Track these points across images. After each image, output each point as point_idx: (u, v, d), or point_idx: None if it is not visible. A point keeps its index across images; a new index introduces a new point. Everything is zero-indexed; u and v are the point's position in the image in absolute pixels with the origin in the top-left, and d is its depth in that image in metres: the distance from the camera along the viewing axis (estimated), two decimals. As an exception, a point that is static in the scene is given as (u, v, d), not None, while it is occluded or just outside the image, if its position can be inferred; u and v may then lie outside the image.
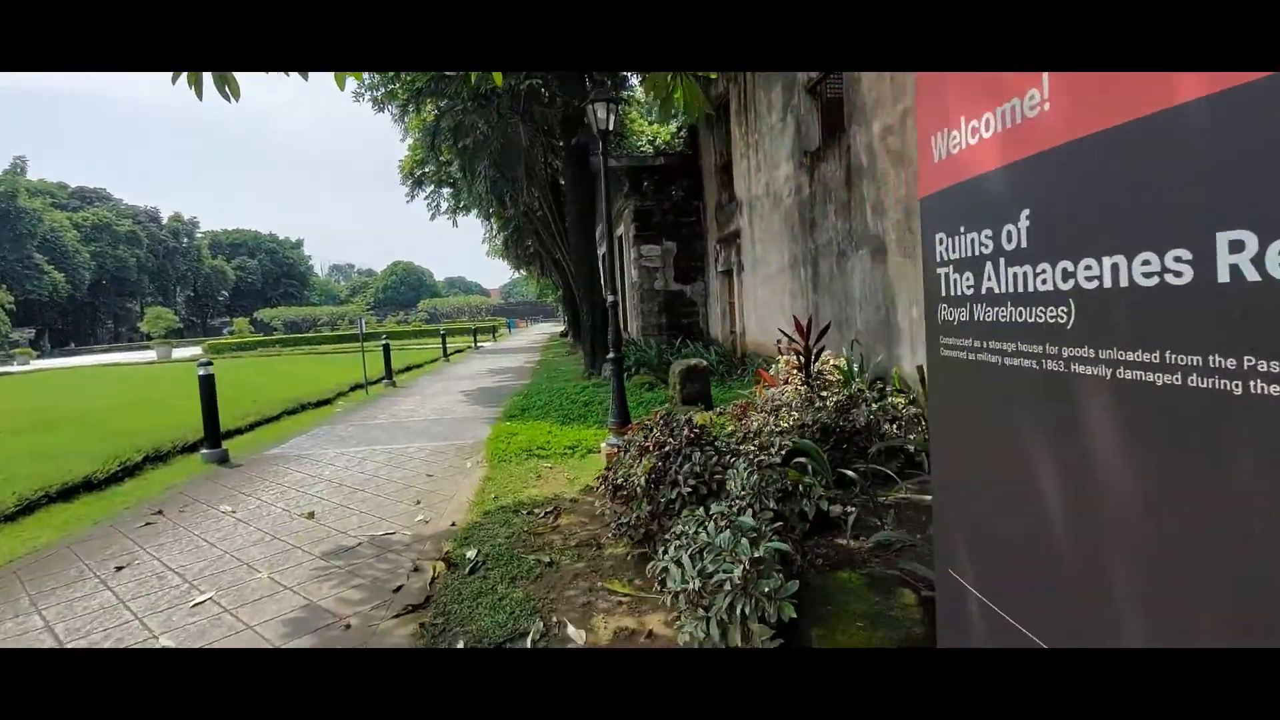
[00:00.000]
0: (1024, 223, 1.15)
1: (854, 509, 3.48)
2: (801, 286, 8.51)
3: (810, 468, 3.69)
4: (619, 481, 3.82)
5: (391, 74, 11.97)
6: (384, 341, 13.66)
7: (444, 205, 25.38)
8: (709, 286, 13.64)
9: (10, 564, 4.04)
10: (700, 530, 2.61)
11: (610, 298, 5.40)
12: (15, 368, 33.45)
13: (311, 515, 4.67)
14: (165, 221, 75.02)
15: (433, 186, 24.71)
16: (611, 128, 5.26)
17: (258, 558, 3.91)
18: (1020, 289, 1.19)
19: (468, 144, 11.78)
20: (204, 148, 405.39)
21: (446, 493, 5.14)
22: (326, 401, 11.10)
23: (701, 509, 2.85)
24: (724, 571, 2.31)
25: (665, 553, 2.62)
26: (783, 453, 3.81)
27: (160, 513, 4.95)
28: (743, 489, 3.02)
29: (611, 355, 5.41)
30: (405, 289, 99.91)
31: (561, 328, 58.65)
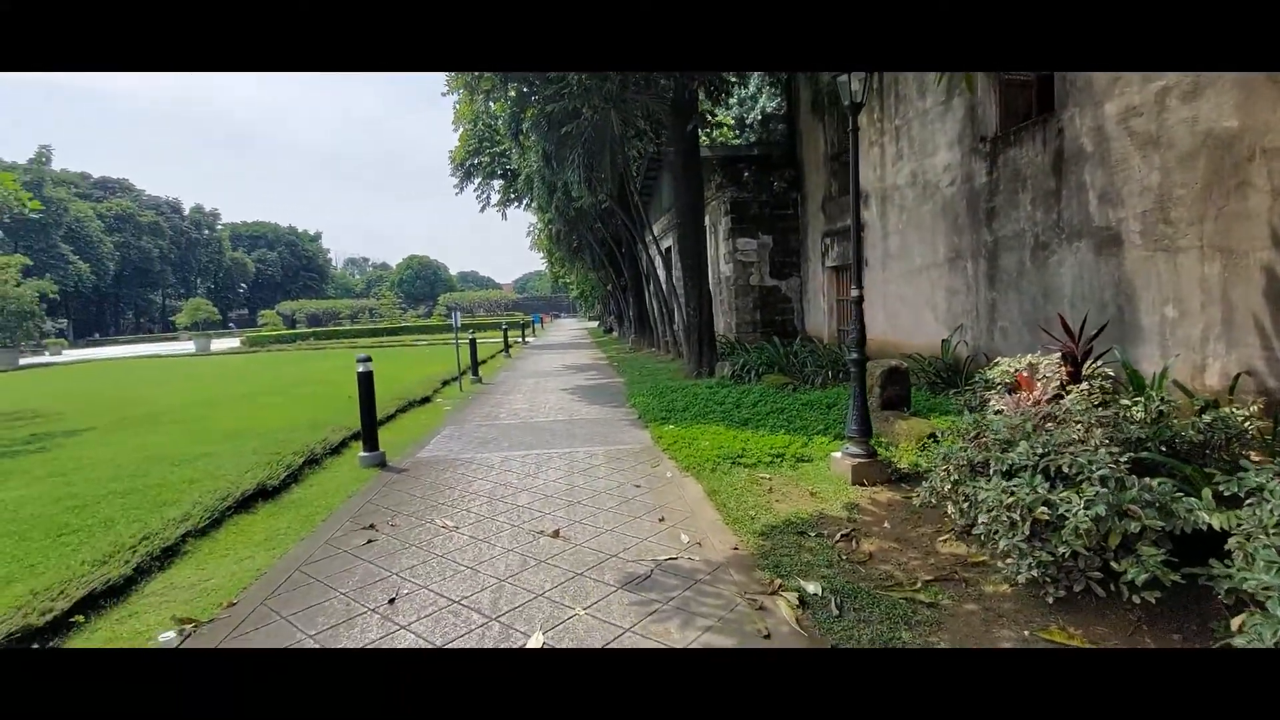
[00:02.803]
0: None
1: None
2: (968, 283, 7.93)
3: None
4: (965, 517, 3.28)
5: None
6: (471, 336, 13.15)
7: (494, 197, 25.02)
8: (807, 283, 13.07)
9: (245, 591, 3.53)
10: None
11: (856, 291, 4.84)
12: (49, 358, 33.19)
13: (557, 534, 4.14)
14: (187, 213, 74.86)
15: (481, 178, 24.31)
16: (862, 100, 4.69)
17: (545, 586, 3.39)
18: None
19: (570, 130, 11.22)
20: (217, 140, 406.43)
21: (676, 507, 4.61)
22: (427, 399, 10.60)
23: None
24: None
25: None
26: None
27: (373, 527, 4.44)
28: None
29: (854, 356, 4.85)
30: (421, 283, 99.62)
31: (587, 323, 58.35)
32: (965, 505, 3.48)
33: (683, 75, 10.20)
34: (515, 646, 2.82)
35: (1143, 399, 4.32)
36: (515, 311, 70.21)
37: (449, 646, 2.72)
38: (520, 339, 28.73)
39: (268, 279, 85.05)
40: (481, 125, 22.15)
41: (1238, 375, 4.60)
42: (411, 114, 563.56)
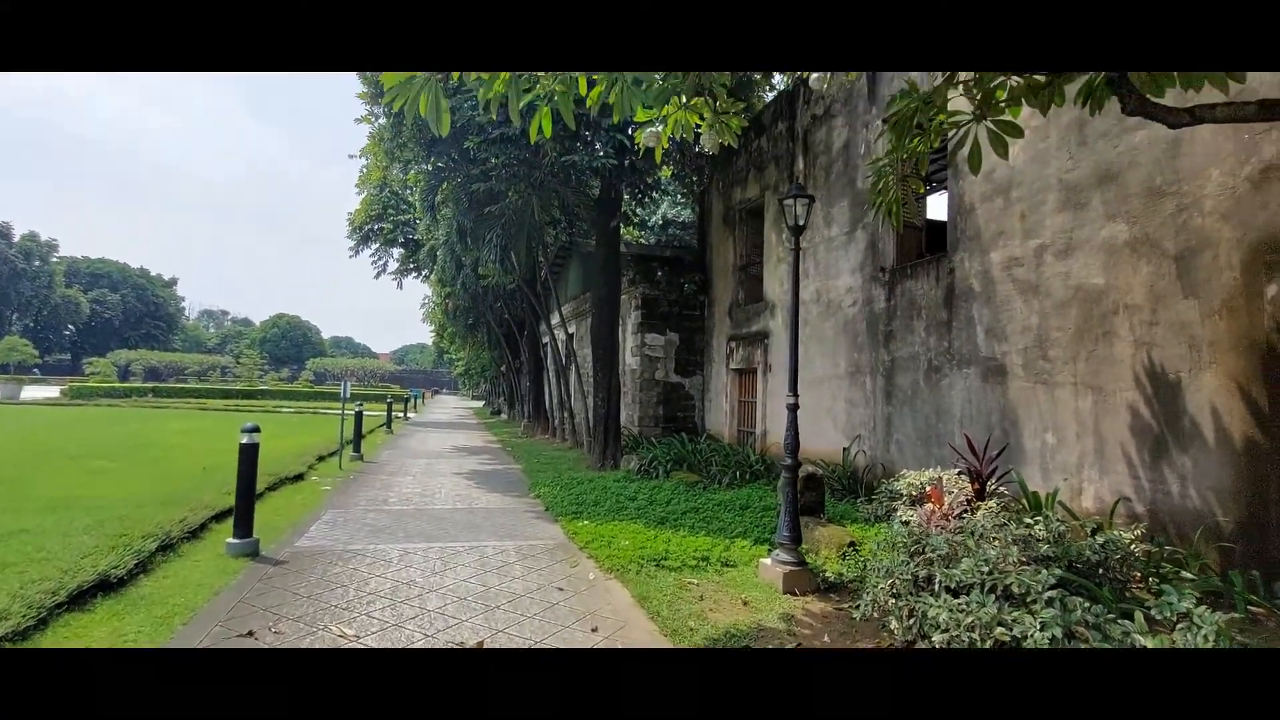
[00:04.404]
0: None
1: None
2: (867, 396, 8.51)
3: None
4: (909, 632, 3.31)
5: (406, 133, 11.29)
6: (359, 408, 12.14)
7: (391, 265, 24.17)
8: (710, 383, 13.49)
9: None
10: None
11: (791, 399, 5.00)
12: None
13: (481, 647, 3.68)
14: (17, 239, 65.58)
15: (380, 244, 23.50)
16: (804, 223, 5.06)
17: (478, 714, 2.94)
18: None
19: (492, 210, 11.22)
20: (75, 167, 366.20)
21: (607, 615, 4.30)
22: (300, 476, 9.48)
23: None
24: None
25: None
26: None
27: (252, 634, 3.72)
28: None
29: (788, 462, 4.93)
30: (287, 344, 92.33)
31: (470, 402, 56.21)
32: (910, 621, 3.52)
33: (610, 174, 10.62)
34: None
35: (1042, 519, 4.70)
36: (392, 384, 66.46)
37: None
38: (402, 414, 27.00)
39: (103, 323, 75.14)
40: (389, 192, 21.69)
41: (1116, 501, 5.16)
42: (312, 170, 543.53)
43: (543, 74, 3.76)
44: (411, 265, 23.39)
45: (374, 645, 3.65)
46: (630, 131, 10.10)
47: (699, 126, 4.30)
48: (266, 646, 2.45)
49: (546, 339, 20.79)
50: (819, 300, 9.73)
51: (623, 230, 17.16)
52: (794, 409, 5.01)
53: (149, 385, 39.24)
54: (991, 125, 3.16)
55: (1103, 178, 5.51)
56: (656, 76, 3.92)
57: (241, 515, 5.37)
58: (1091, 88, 3.00)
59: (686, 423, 13.57)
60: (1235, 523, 4.49)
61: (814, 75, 4.57)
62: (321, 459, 11.29)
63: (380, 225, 22.84)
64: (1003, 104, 3.20)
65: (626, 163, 10.50)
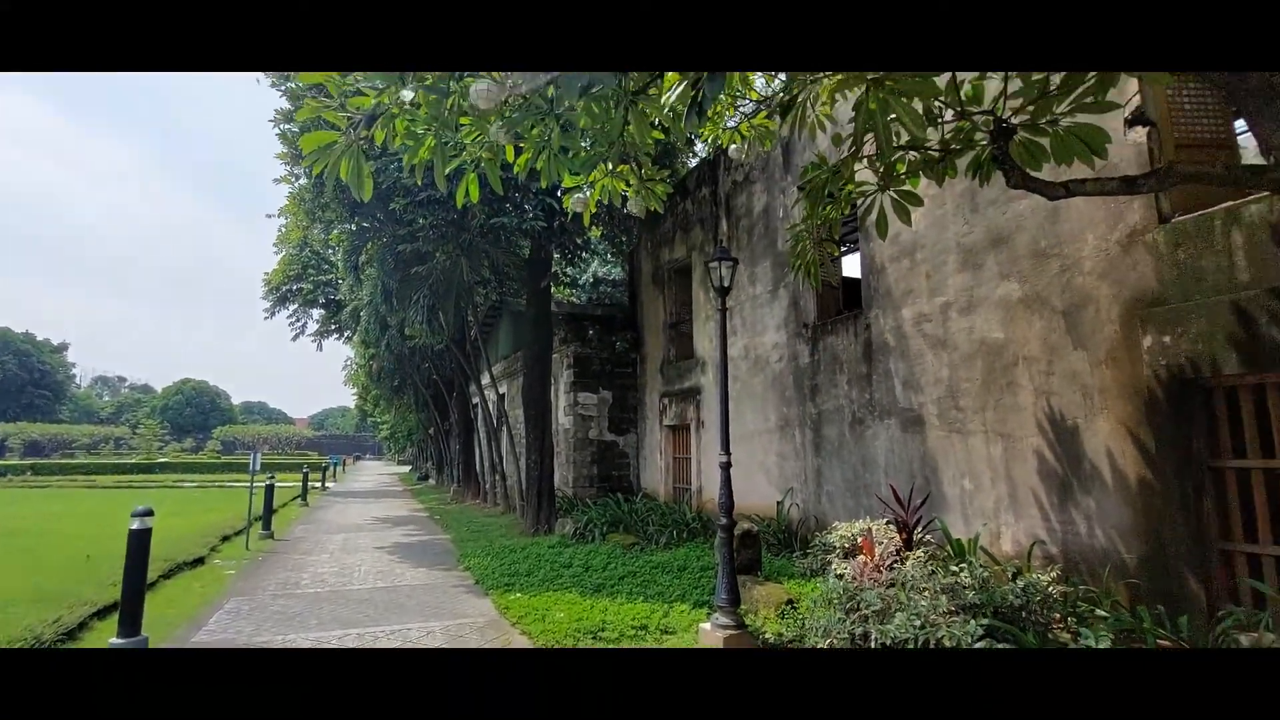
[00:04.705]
0: None
1: None
2: (797, 449, 8.68)
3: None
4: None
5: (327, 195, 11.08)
6: (270, 480, 11.32)
7: (311, 326, 23.23)
8: (644, 440, 13.46)
9: None
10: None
11: (724, 457, 5.02)
12: None
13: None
14: None
15: (299, 304, 22.60)
16: (729, 284, 5.22)
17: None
18: None
19: (419, 271, 11.04)
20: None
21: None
22: (200, 560, 8.65)
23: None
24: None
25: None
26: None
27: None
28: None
29: (723, 522, 4.91)
30: (192, 411, 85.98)
31: (397, 467, 53.59)
32: (850, 681, 3.49)
33: (540, 235, 10.71)
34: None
35: (967, 565, 4.85)
36: (310, 450, 62.87)
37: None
38: (320, 484, 25.38)
39: (-25, 394, 67.92)
40: (310, 251, 21.04)
41: (1032, 544, 5.39)
42: (224, 228, 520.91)
43: (469, 141, 3.79)
44: (333, 326, 22.53)
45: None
46: (560, 194, 10.30)
47: (625, 191, 4.41)
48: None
49: (477, 399, 20.28)
50: (747, 356, 9.98)
51: (554, 289, 17.25)
52: (727, 467, 5.03)
53: (27, 462, 35.42)
54: (894, 195, 3.39)
55: (995, 241, 6.00)
56: (583, 144, 4.02)
57: (128, 610, 4.80)
58: (979, 162, 3.29)
59: (622, 481, 13.40)
60: (1138, 559, 4.77)
61: (733, 146, 4.82)
62: (226, 539, 10.38)
63: (300, 285, 22.01)
64: (903, 175, 3.46)
65: (556, 224, 10.64)
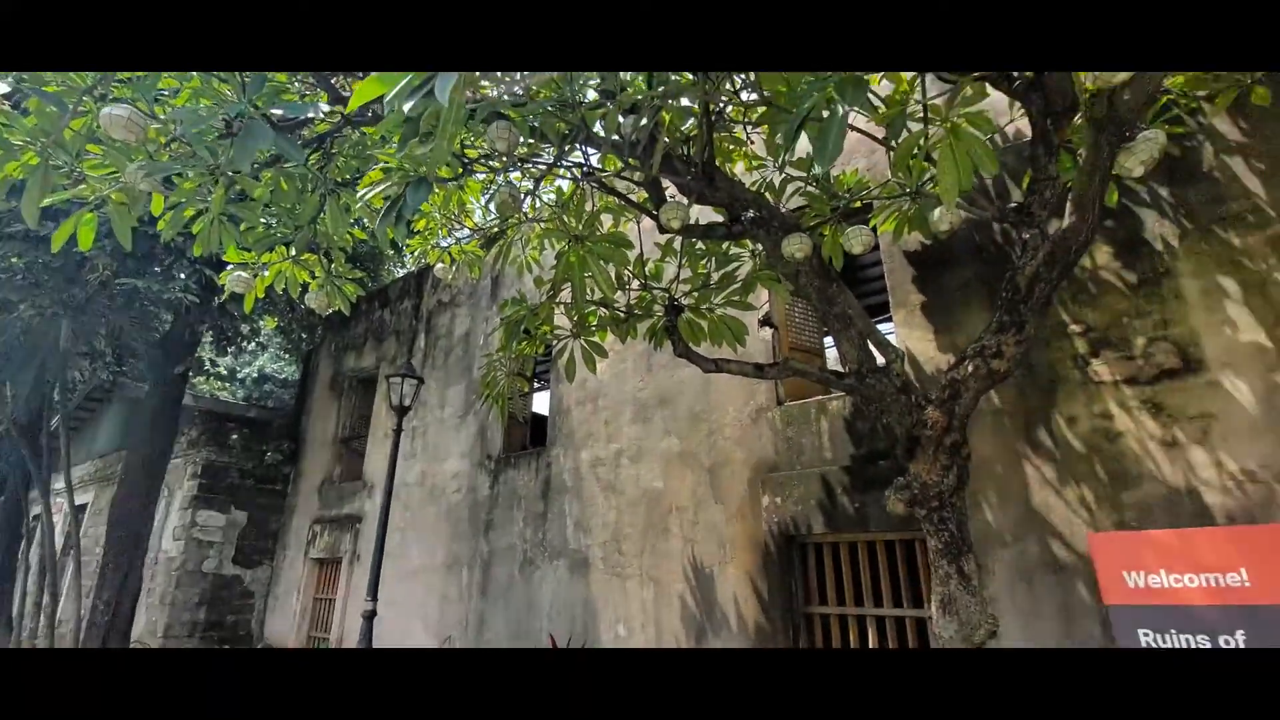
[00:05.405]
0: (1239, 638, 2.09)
1: None
2: (462, 591, 8.07)
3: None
4: None
5: None
6: None
7: None
8: (280, 575, 11.21)
9: None
10: None
11: (370, 604, 4.32)
12: None
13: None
14: None
15: None
16: (409, 404, 4.86)
17: None
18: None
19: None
20: None
21: None
22: None
23: None
24: None
25: None
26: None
27: None
28: None
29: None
30: None
31: None
32: None
33: (189, 311, 8.86)
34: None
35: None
36: None
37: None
38: None
39: None
40: None
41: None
42: None
43: (94, 175, 2.98)
44: None
45: None
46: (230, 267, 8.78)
47: (308, 282, 3.91)
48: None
49: (39, 509, 14.79)
50: (424, 483, 9.29)
51: (197, 380, 14.24)
52: (371, 617, 4.36)
53: None
54: (585, 343, 3.62)
55: (663, 400, 6.83)
56: (261, 221, 3.49)
57: None
58: (655, 329, 3.75)
59: (239, 628, 10.73)
60: (752, 699, 5.33)
61: (440, 265, 4.73)
62: None
63: None
64: (593, 327, 3.74)
65: (216, 302, 8.97)
